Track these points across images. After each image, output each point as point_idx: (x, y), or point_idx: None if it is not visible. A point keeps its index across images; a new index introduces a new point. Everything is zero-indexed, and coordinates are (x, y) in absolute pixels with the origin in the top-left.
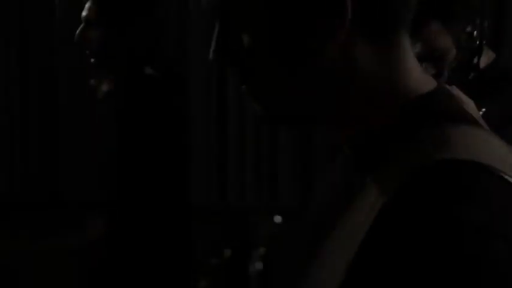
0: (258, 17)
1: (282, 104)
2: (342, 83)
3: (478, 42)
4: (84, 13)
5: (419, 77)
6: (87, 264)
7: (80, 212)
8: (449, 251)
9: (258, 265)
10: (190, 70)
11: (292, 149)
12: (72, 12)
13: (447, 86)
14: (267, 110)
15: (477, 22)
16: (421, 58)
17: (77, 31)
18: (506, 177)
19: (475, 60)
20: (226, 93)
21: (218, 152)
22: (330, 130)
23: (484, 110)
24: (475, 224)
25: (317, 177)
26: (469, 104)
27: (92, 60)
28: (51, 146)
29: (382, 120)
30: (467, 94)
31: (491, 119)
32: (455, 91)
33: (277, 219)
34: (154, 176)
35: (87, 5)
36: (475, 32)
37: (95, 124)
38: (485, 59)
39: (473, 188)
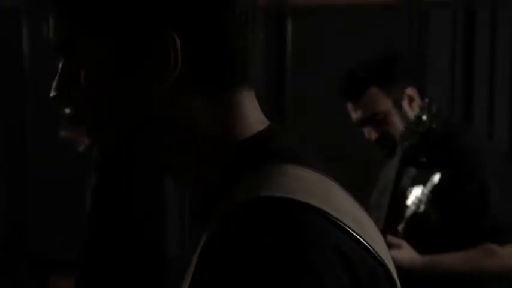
0: (92, 58)
1: (116, 143)
2: (171, 129)
3: (427, 127)
4: None
5: (253, 127)
6: None
7: (45, 271)
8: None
9: None
10: None
11: None
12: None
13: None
14: (103, 148)
15: (425, 106)
16: (363, 122)
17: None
18: (322, 212)
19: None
20: None
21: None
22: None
23: (439, 176)
24: (271, 254)
25: None
26: None
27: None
28: (18, 203)
29: (216, 168)
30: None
31: (446, 184)
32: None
33: None
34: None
35: None
36: (424, 116)
37: (65, 180)
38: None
39: (279, 221)
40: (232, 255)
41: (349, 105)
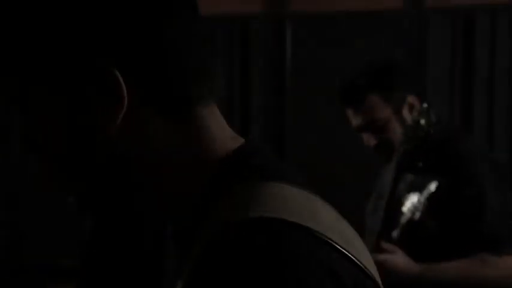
0: (41, 111)
1: (89, 186)
2: (142, 159)
3: (425, 131)
4: None
5: (226, 143)
6: None
7: (43, 278)
8: None
9: None
10: None
11: None
12: None
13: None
14: (79, 194)
15: (424, 111)
16: (362, 129)
17: None
18: (311, 230)
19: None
20: None
21: None
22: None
23: (436, 184)
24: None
25: None
26: None
27: None
28: (15, 209)
29: (195, 189)
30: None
31: (443, 191)
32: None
33: None
34: (127, 245)
35: None
36: (422, 120)
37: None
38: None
39: (274, 245)
40: (223, 278)
41: (349, 111)
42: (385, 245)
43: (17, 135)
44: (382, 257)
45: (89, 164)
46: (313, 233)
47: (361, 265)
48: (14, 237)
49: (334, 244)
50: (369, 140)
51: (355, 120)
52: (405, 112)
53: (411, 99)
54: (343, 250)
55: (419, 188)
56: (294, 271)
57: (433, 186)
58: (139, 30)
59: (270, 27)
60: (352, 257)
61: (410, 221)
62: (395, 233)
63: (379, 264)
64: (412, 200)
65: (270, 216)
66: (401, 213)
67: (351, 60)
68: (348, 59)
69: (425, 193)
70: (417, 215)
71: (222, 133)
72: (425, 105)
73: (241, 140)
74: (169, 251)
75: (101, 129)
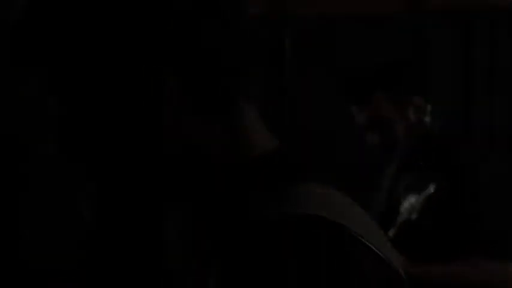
0: (88, 104)
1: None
2: (177, 154)
3: (428, 130)
4: None
5: (259, 141)
6: None
7: (44, 281)
8: None
9: None
10: None
11: None
12: None
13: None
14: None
15: (428, 111)
16: (366, 127)
17: None
18: (354, 234)
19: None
20: None
21: None
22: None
23: (434, 185)
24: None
25: None
26: None
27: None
28: (15, 209)
29: (231, 186)
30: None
31: (441, 194)
32: None
33: None
34: (127, 247)
35: None
36: (426, 121)
37: (63, 187)
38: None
39: (319, 241)
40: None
41: (354, 109)
42: None
43: (16, 136)
44: None
45: (125, 156)
46: (356, 235)
47: (394, 267)
48: (14, 237)
49: (373, 248)
50: (372, 138)
51: (359, 118)
52: (410, 112)
53: (416, 99)
54: (380, 254)
55: (418, 189)
56: (358, 272)
57: (431, 188)
58: (185, 30)
59: (270, 29)
60: (386, 260)
61: (407, 221)
62: (391, 233)
63: None
64: (410, 201)
65: (316, 214)
66: (398, 213)
67: (350, 62)
68: (347, 61)
69: (424, 194)
70: (414, 215)
71: (262, 132)
72: (430, 106)
73: (276, 140)
74: (174, 252)
75: (144, 124)
